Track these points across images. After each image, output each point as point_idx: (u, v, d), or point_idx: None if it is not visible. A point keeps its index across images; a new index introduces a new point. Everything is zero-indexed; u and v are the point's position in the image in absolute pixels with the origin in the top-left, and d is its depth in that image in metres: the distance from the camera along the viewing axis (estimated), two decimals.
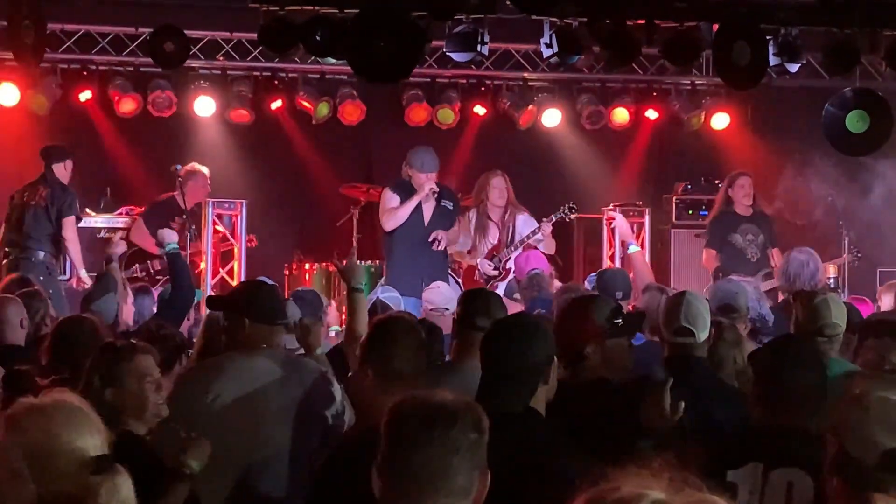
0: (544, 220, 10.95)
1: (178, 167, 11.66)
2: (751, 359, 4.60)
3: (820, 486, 2.83)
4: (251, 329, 5.15)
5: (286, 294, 8.65)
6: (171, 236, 8.04)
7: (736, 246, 10.95)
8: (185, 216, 11.55)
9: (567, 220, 11.31)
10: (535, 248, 10.60)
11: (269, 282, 7.86)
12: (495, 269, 10.69)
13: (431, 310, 8.12)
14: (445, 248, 10.35)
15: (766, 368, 4.39)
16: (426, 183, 10.27)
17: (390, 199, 10.39)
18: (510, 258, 10.68)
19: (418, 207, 10.34)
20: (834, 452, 2.85)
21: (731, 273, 9.83)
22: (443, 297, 8.21)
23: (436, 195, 10.34)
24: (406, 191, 10.37)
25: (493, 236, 10.83)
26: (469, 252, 10.89)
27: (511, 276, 10.39)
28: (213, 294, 6.85)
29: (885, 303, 8.84)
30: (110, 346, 4.66)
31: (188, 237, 11.47)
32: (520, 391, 3.96)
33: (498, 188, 10.83)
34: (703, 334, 5.34)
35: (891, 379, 2.84)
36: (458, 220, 10.64)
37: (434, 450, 2.92)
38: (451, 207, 10.52)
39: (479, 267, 10.63)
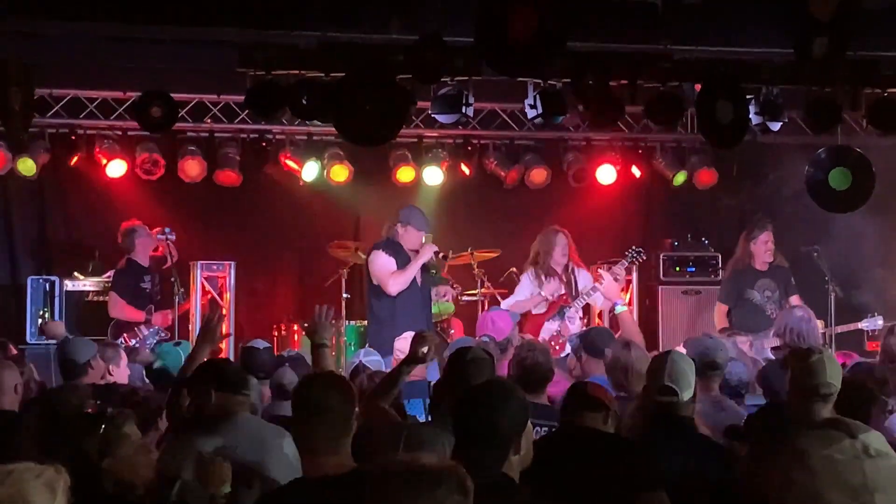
0: (604, 270, 10.97)
1: (168, 230, 11.72)
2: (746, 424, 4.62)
3: None
4: (218, 399, 5.30)
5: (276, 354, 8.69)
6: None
7: (754, 302, 10.93)
8: (174, 278, 11.57)
9: (637, 262, 11.41)
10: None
11: (263, 344, 7.94)
12: (557, 329, 10.62)
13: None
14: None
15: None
16: (428, 245, 10.37)
17: (387, 262, 10.35)
18: (577, 311, 10.67)
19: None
20: None
21: (744, 332, 9.92)
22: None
23: (441, 256, 10.56)
24: (398, 251, 10.37)
25: (556, 292, 10.75)
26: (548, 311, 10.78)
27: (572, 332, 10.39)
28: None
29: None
30: (101, 417, 4.69)
31: (177, 299, 11.52)
32: (490, 459, 3.94)
33: (561, 245, 10.78)
34: (687, 394, 5.38)
35: (832, 434, 2.81)
36: None
37: None
38: (434, 267, 10.74)
39: (543, 332, 10.54)
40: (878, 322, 11.55)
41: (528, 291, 10.64)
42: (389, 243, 10.42)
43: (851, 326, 11.59)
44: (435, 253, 10.42)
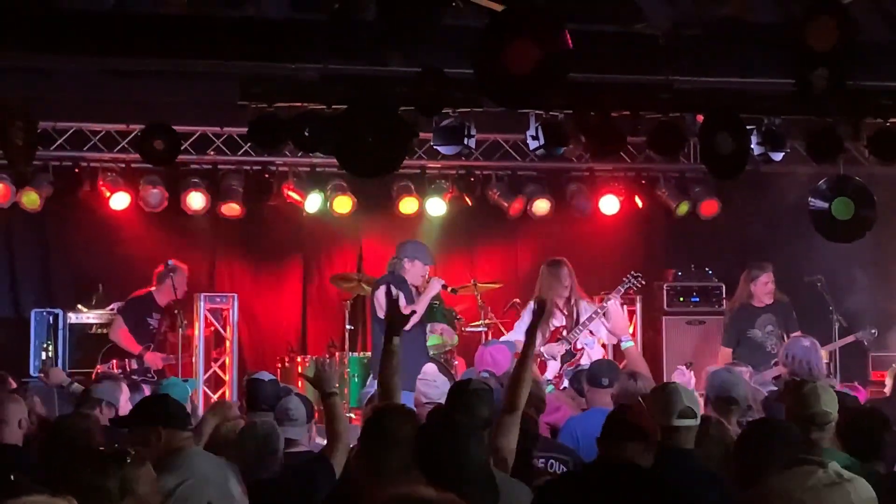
0: (607, 296, 10.98)
1: (171, 262, 11.75)
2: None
3: None
4: (167, 436, 5.42)
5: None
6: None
7: (755, 340, 10.94)
8: (177, 311, 11.60)
9: (636, 287, 11.43)
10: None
11: (268, 376, 7.96)
12: (566, 350, 10.55)
13: (426, 403, 8.09)
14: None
15: (745, 454, 4.42)
16: (435, 279, 10.42)
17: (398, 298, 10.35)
18: (577, 339, 10.62)
19: (413, 301, 10.31)
20: None
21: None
22: (436, 391, 8.18)
23: (449, 290, 10.60)
24: (403, 286, 10.25)
25: (558, 321, 10.72)
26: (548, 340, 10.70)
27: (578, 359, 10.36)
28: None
29: (889, 384, 8.91)
30: (123, 455, 4.69)
31: (179, 331, 11.54)
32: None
33: (563, 277, 10.72)
34: (698, 420, 5.41)
35: (806, 469, 2.85)
36: None
37: None
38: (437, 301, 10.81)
39: (544, 352, 10.43)
40: (873, 332, 11.57)
41: (526, 325, 10.56)
42: (395, 278, 10.39)
43: (848, 339, 11.58)
44: (443, 286, 10.41)
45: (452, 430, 4.55)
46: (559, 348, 10.36)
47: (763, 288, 11.07)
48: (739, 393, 6.86)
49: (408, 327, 10.13)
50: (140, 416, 5.70)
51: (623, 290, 11.14)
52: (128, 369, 11.31)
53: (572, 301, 10.64)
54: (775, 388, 9.07)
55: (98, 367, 11.43)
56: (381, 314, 10.28)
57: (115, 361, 11.30)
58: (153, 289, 11.71)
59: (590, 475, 5.20)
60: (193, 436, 5.80)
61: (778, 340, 10.90)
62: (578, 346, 10.67)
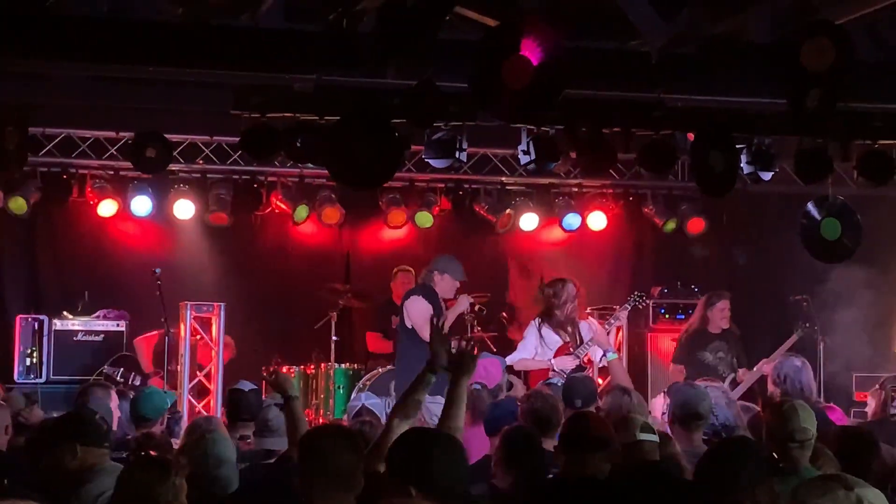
0: (613, 318, 11.11)
1: (158, 271, 11.72)
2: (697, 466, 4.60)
3: None
4: (83, 453, 5.35)
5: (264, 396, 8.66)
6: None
7: (706, 363, 11.00)
8: (164, 318, 11.59)
9: (640, 307, 11.50)
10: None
11: (249, 385, 7.94)
12: (577, 365, 10.46)
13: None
14: None
15: (711, 473, 4.42)
16: (463, 296, 10.48)
17: (427, 307, 10.28)
18: (587, 354, 10.56)
19: (442, 314, 10.30)
20: None
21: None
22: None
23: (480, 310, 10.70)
24: (434, 299, 10.36)
25: (561, 340, 10.67)
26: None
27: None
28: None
29: (872, 407, 8.91)
30: (169, 465, 4.68)
31: (166, 340, 11.53)
32: None
33: (573, 297, 10.64)
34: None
35: (828, 485, 2.85)
36: None
37: None
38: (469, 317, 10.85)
39: (555, 365, 10.34)
40: (810, 326, 11.65)
41: (532, 345, 10.54)
42: (427, 290, 10.42)
43: (791, 341, 11.59)
44: (470, 304, 10.41)
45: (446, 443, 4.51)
46: (570, 363, 10.31)
47: (719, 314, 11.16)
48: (703, 408, 6.88)
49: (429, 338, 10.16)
50: (54, 432, 5.63)
51: (629, 308, 11.19)
52: (129, 382, 11.29)
53: (574, 321, 10.59)
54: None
55: (105, 367, 11.41)
56: (408, 323, 10.29)
57: (122, 369, 11.30)
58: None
59: (554, 491, 5.24)
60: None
61: (728, 368, 10.99)
62: (586, 361, 10.64)
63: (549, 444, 6.47)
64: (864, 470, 5.50)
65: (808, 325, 11.75)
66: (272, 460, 6.64)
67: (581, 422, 5.36)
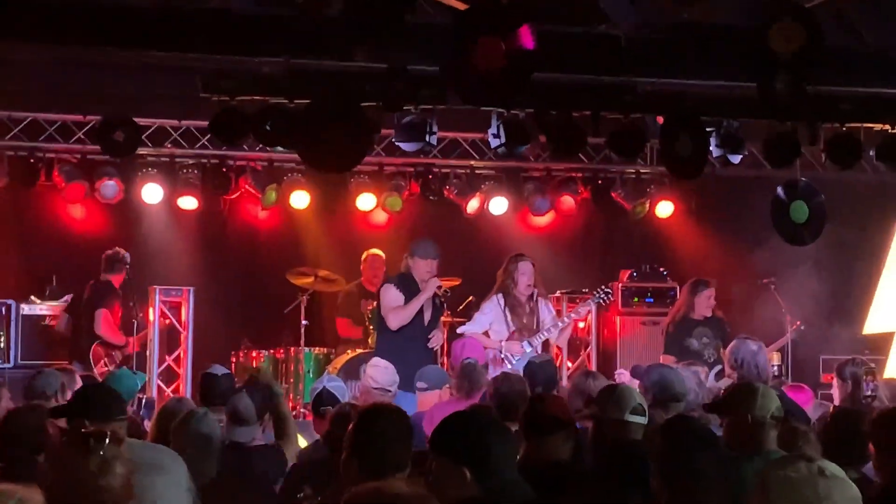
0: (575, 309, 11.17)
1: (126, 255, 11.68)
2: (647, 442, 4.60)
3: None
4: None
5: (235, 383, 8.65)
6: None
7: (692, 349, 11.02)
8: (132, 303, 11.54)
9: (605, 303, 11.49)
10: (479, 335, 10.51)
11: (222, 370, 7.92)
12: (523, 350, 10.41)
13: (375, 388, 8.13)
14: None
15: (663, 451, 4.42)
16: (431, 280, 10.20)
17: (395, 296, 10.19)
18: (538, 346, 10.49)
19: (421, 306, 10.21)
20: None
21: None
22: (388, 377, 8.24)
23: (444, 292, 10.33)
24: (408, 286, 10.22)
25: (520, 321, 10.64)
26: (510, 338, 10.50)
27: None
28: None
29: (836, 389, 8.93)
30: (101, 435, 4.65)
31: (135, 324, 11.50)
32: None
33: (527, 274, 10.57)
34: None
35: (790, 458, 2.90)
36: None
37: None
38: (440, 304, 10.50)
39: (504, 348, 10.29)
40: (800, 326, 11.76)
41: (488, 320, 10.54)
42: (402, 277, 10.31)
43: (781, 342, 11.72)
44: (438, 288, 10.31)
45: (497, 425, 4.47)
46: (517, 350, 10.32)
47: (705, 302, 11.18)
48: (679, 389, 6.91)
49: (394, 327, 10.15)
50: (69, 408, 5.67)
51: (592, 305, 11.24)
52: (115, 362, 11.26)
53: (534, 298, 10.62)
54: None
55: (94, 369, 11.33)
56: (382, 311, 10.27)
57: (105, 359, 11.23)
58: (112, 277, 11.62)
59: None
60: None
61: (714, 352, 11.03)
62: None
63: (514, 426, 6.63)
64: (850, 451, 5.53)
65: (801, 326, 11.85)
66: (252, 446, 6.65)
67: (539, 405, 5.38)
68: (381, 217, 13.43)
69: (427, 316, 10.25)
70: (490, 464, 4.03)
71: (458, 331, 10.58)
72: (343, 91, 9.00)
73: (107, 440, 4.36)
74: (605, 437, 5.61)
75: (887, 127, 10.06)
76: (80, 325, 11.60)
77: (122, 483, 4.26)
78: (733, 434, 5.42)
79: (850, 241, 12.78)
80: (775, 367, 11.26)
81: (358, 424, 4.62)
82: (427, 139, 9.61)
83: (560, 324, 10.70)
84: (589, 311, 11.41)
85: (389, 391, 8.13)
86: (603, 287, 11.39)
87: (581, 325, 12.84)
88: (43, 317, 12.02)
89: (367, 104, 9.04)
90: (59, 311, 11.94)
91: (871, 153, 10.24)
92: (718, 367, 10.63)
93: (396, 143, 9.90)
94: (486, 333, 10.46)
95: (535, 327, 10.50)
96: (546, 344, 10.90)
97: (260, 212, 13.03)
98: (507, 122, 9.65)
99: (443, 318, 11.72)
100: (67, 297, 12.01)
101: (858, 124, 10.03)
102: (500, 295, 10.52)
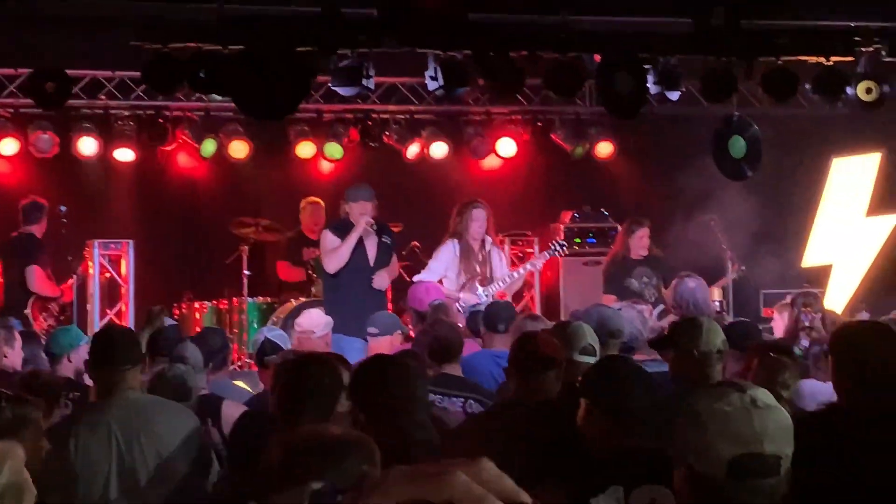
0: (531, 261, 11.10)
1: (63, 209, 11.54)
2: (582, 382, 4.60)
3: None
4: (95, 375, 5.45)
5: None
6: None
7: (632, 289, 11.07)
8: (71, 257, 11.43)
9: (561, 255, 11.41)
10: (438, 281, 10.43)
11: (170, 321, 7.88)
12: (479, 300, 10.27)
13: (299, 332, 8.14)
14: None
15: (599, 391, 4.43)
16: (361, 218, 9.93)
17: (330, 240, 10.01)
18: (492, 295, 10.37)
19: (361, 246, 9.99)
20: (683, 472, 2.92)
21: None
22: (310, 320, 8.23)
23: (374, 227, 10.00)
24: (346, 231, 10.00)
25: (472, 268, 10.47)
26: (463, 287, 10.35)
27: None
28: None
29: (778, 323, 9.00)
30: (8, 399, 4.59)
31: (74, 277, 11.39)
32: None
33: (478, 220, 10.39)
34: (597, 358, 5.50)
35: (721, 390, 2.91)
36: (394, 254, 10.42)
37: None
38: (390, 242, 10.25)
39: (462, 299, 10.09)
40: (742, 268, 11.89)
41: (443, 266, 10.43)
42: (340, 223, 10.12)
43: (720, 283, 11.83)
44: (369, 224, 10.09)
45: (405, 371, 4.65)
46: (474, 299, 10.19)
47: (639, 241, 11.23)
48: (619, 325, 6.94)
49: (330, 270, 10.07)
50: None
51: (548, 257, 11.19)
52: (55, 313, 11.14)
53: (487, 246, 10.52)
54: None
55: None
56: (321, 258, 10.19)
57: (44, 315, 11.10)
58: (32, 230, 11.44)
59: (508, 413, 5.25)
60: None
61: (655, 291, 11.09)
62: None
63: (452, 369, 6.67)
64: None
65: (743, 269, 11.94)
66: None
67: (530, 343, 5.37)
68: (322, 165, 13.37)
69: (371, 257, 10.10)
70: (381, 407, 4.31)
71: (415, 279, 10.48)
72: (277, 36, 8.92)
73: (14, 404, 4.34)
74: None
75: (822, 59, 10.10)
76: (12, 280, 11.42)
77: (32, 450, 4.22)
78: (679, 369, 5.45)
79: (788, 175, 12.89)
80: (717, 304, 11.33)
81: (275, 377, 4.81)
82: (364, 83, 9.54)
83: (516, 274, 10.66)
84: (545, 263, 11.35)
85: (314, 332, 8.09)
86: (557, 239, 11.39)
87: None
88: None
89: (301, 49, 8.96)
90: None
91: (808, 86, 10.27)
92: (661, 307, 10.72)
93: (333, 88, 9.82)
94: (440, 281, 10.36)
95: (488, 275, 10.42)
96: None
97: (198, 162, 12.92)
98: (444, 63, 9.59)
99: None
100: None
101: (794, 57, 10.07)
102: (454, 241, 10.41)
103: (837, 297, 12.72)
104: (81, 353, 7.85)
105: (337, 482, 2.98)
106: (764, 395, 2.90)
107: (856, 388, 4.19)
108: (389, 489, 1.42)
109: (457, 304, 9.94)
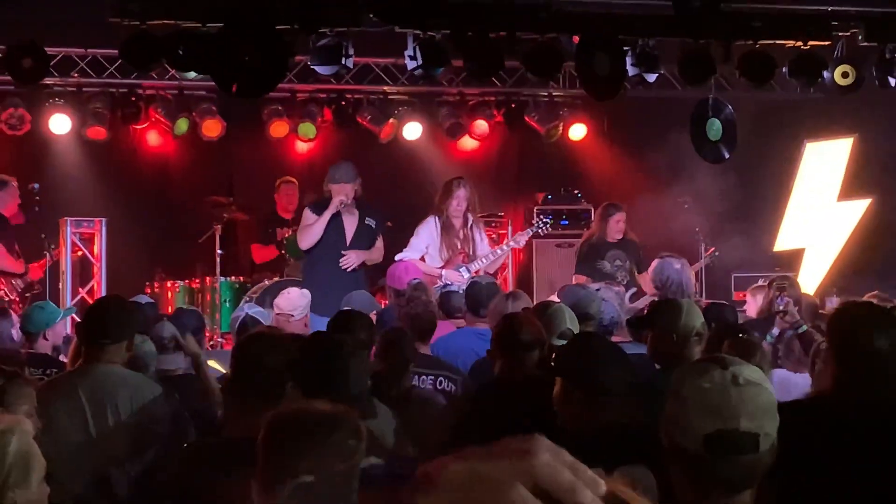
0: (515, 237, 11.12)
1: (36, 186, 11.47)
2: (556, 360, 4.61)
3: (661, 479, 2.92)
4: (85, 350, 5.44)
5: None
6: None
7: (604, 272, 11.10)
8: (44, 235, 11.35)
9: (543, 232, 11.43)
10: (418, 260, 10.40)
11: (146, 299, 7.83)
12: (462, 277, 10.20)
13: (277, 314, 8.11)
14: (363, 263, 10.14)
15: (573, 368, 4.44)
16: (336, 197, 9.87)
17: (307, 217, 9.97)
18: (479, 271, 10.33)
19: (340, 225, 9.94)
20: (667, 446, 2.96)
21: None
22: (290, 302, 8.19)
23: (344, 205, 9.90)
24: (324, 208, 9.94)
25: (455, 245, 10.40)
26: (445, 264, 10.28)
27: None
28: None
29: (751, 305, 9.03)
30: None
31: (47, 255, 11.33)
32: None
33: (458, 198, 10.31)
34: None
35: (704, 366, 2.95)
36: (380, 237, 10.28)
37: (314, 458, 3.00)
38: (374, 225, 10.16)
39: (445, 277, 10.02)
40: (716, 253, 11.98)
41: (423, 243, 10.39)
42: (320, 202, 10.06)
43: (695, 266, 11.90)
44: (341, 202, 10.03)
45: (336, 349, 4.70)
46: (457, 277, 10.15)
47: (615, 226, 11.25)
48: (594, 308, 6.96)
49: (304, 246, 10.02)
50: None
51: (530, 234, 11.20)
52: (17, 290, 11.04)
53: (469, 223, 10.50)
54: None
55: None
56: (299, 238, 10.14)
57: (5, 290, 11.00)
58: None
59: (494, 391, 5.27)
60: None
61: (627, 274, 11.13)
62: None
63: (423, 348, 6.70)
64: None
65: (716, 253, 12.01)
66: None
67: (514, 324, 5.39)
68: (297, 145, 13.33)
69: (349, 237, 10.07)
70: (318, 383, 4.39)
71: (396, 258, 10.44)
72: (256, 13, 8.87)
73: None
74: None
75: (799, 44, 10.15)
76: None
77: None
78: (658, 350, 5.47)
79: (761, 159, 12.95)
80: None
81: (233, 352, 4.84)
82: (343, 62, 9.51)
83: (499, 251, 10.66)
84: (528, 240, 11.36)
85: (293, 316, 8.06)
86: (542, 218, 11.40)
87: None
88: None
89: (281, 27, 8.92)
90: None
91: (785, 70, 10.32)
92: (633, 290, 10.75)
93: (312, 67, 9.77)
94: (422, 258, 10.33)
95: (469, 252, 10.40)
96: None
97: (171, 141, 12.86)
98: (423, 43, 9.58)
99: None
100: None
101: (771, 41, 10.12)
102: (435, 217, 10.37)
103: (809, 281, 12.81)
104: (58, 330, 7.84)
105: (324, 457, 3.00)
106: (750, 372, 2.93)
107: (854, 376, 4.09)
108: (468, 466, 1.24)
109: (438, 282, 9.93)
